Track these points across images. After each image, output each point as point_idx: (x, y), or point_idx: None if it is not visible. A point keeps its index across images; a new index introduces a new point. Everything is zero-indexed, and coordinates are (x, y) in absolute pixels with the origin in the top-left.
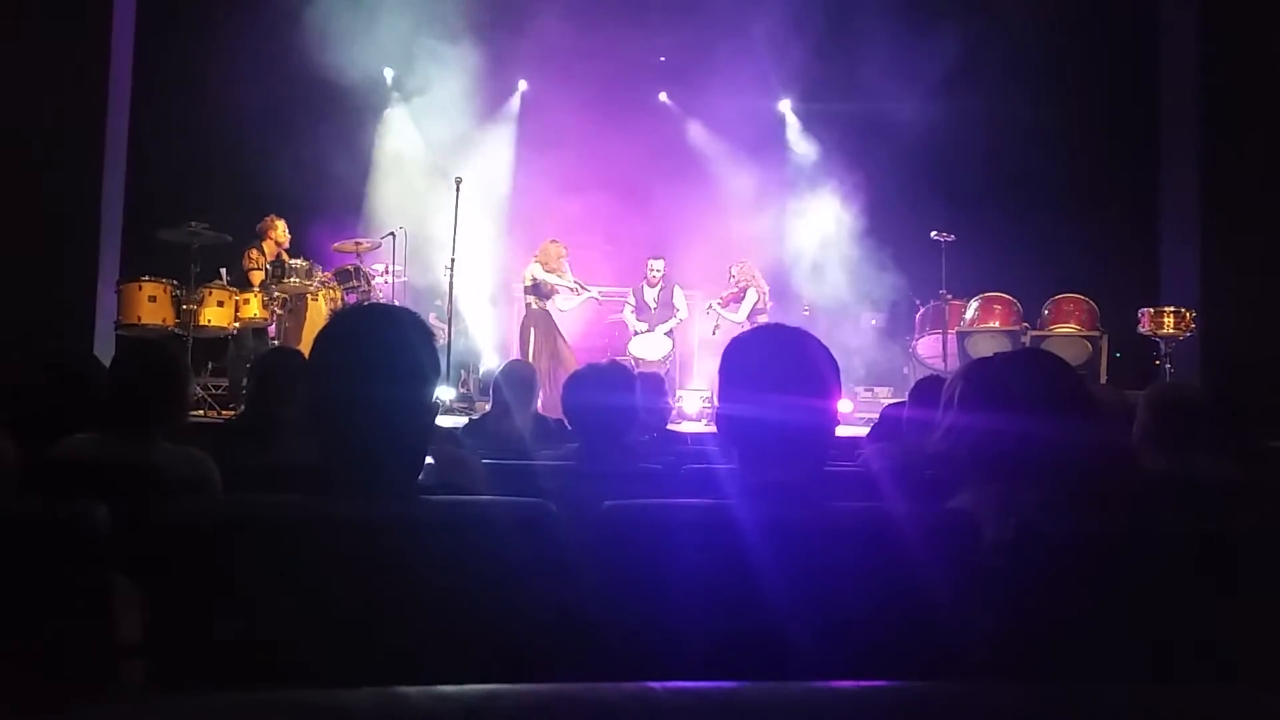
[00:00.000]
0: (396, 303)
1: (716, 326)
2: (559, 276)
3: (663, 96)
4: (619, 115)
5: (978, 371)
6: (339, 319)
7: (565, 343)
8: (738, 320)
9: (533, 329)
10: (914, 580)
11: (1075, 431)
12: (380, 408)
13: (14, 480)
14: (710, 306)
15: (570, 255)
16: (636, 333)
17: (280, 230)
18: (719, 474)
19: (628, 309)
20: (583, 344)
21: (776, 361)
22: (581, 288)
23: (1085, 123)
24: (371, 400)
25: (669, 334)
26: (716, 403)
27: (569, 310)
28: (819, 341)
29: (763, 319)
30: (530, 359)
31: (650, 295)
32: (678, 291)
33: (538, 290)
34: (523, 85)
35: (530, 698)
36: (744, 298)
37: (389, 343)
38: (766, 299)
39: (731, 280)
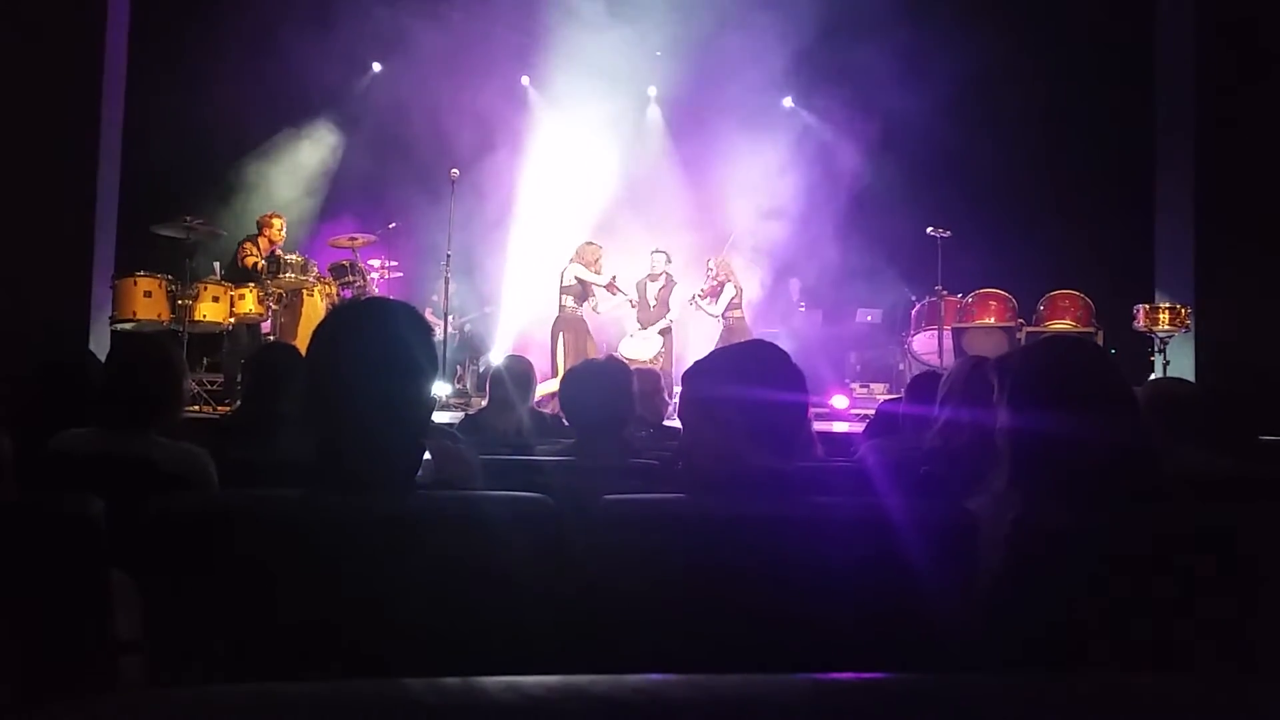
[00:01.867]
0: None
1: (692, 304)
2: (598, 277)
3: (651, 90)
4: (618, 109)
5: (1027, 365)
6: (337, 313)
7: (596, 350)
8: (714, 314)
9: (562, 334)
10: (910, 575)
11: (1123, 429)
12: (379, 402)
13: (11, 474)
14: (693, 298)
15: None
16: (630, 334)
17: (277, 228)
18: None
19: (628, 304)
20: None
21: (739, 362)
22: (617, 289)
23: (1081, 119)
24: (370, 394)
25: (662, 332)
26: (679, 403)
27: (606, 314)
28: (779, 348)
29: (737, 314)
30: (561, 363)
31: (652, 291)
32: (675, 293)
33: (574, 292)
34: (525, 80)
35: (535, 689)
36: (721, 292)
37: (387, 337)
38: (742, 296)
39: (709, 274)
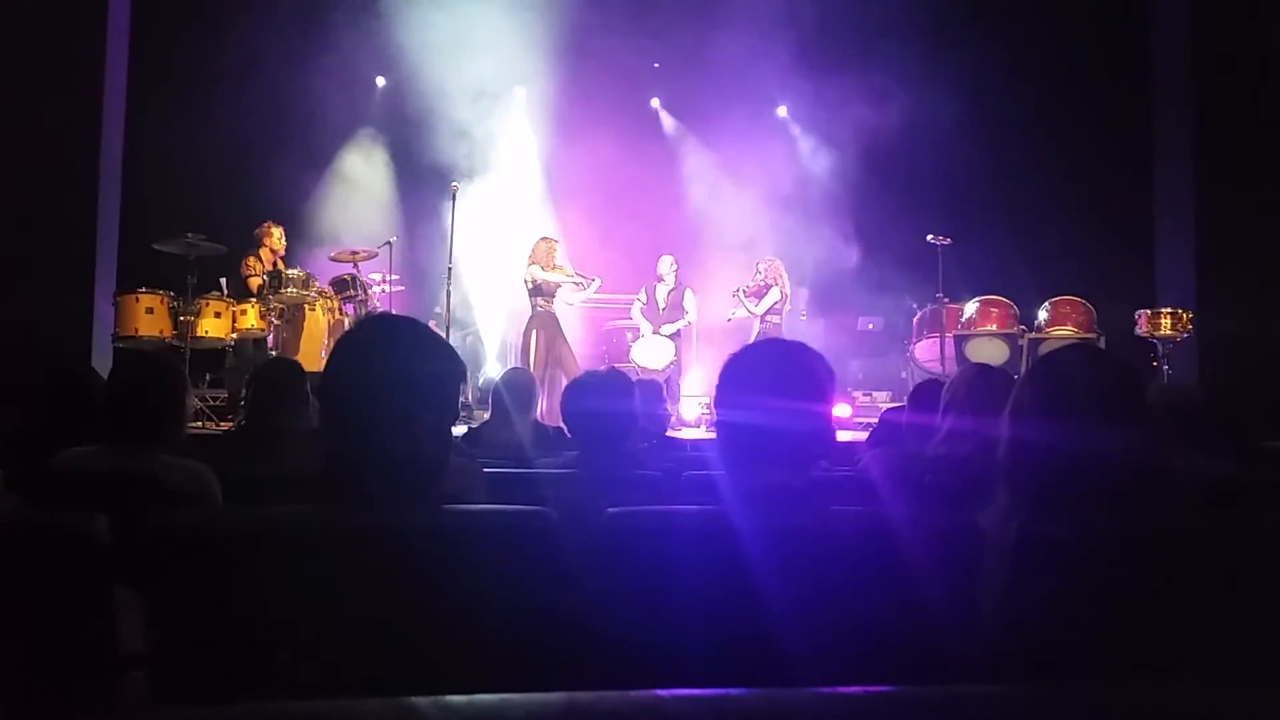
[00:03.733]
0: (394, 312)
1: (731, 317)
2: (558, 271)
3: (655, 103)
4: (616, 120)
5: (1028, 376)
6: (359, 329)
7: (569, 348)
8: (755, 312)
9: (535, 332)
10: (915, 585)
11: (1123, 441)
12: (398, 419)
13: (15, 492)
14: (736, 291)
15: (572, 261)
16: (640, 335)
17: (276, 237)
18: (719, 480)
19: (636, 305)
20: (580, 351)
21: (775, 369)
22: (583, 279)
23: (1080, 125)
24: (392, 410)
25: (674, 335)
26: (714, 410)
27: (576, 305)
28: (815, 351)
29: (775, 320)
30: (532, 362)
31: (661, 293)
32: (689, 295)
33: (541, 291)
34: (520, 92)
35: (539, 706)
36: (766, 294)
37: (409, 352)
38: (787, 301)
39: (757, 275)
